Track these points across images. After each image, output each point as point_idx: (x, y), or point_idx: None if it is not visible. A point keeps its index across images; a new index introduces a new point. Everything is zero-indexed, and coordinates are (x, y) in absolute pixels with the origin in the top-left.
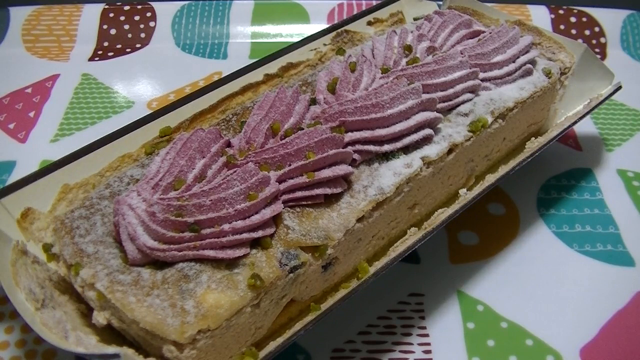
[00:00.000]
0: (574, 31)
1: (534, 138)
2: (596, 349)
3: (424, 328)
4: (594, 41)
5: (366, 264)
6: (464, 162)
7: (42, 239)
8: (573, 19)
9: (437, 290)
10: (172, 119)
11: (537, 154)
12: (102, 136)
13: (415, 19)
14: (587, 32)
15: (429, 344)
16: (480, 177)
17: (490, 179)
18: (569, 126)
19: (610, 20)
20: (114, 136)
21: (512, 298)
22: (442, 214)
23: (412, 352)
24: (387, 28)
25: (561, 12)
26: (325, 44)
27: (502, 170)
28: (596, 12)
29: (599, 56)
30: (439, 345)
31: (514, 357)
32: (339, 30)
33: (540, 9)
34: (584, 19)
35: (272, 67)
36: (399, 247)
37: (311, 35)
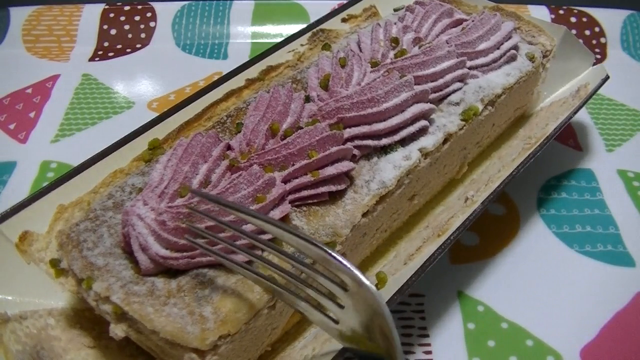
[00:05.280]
0: (574, 31)
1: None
2: (596, 349)
3: (425, 329)
4: (594, 41)
5: (384, 274)
6: (458, 150)
7: (43, 259)
8: (573, 19)
9: (438, 290)
10: (158, 131)
11: (543, 147)
12: (92, 155)
13: (395, 10)
14: (587, 32)
15: (429, 344)
16: (472, 164)
17: (503, 175)
18: (566, 121)
19: (610, 20)
20: (104, 153)
21: (513, 298)
22: (453, 219)
23: (413, 352)
24: (361, 23)
25: (561, 12)
26: (302, 45)
27: (510, 168)
28: (596, 12)
29: (598, 56)
30: (440, 346)
31: (514, 357)
32: (315, 30)
33: (540, 9)
34: (584, 19)
35: (252, 72)
36: (416, 257)
37: (288, 37)
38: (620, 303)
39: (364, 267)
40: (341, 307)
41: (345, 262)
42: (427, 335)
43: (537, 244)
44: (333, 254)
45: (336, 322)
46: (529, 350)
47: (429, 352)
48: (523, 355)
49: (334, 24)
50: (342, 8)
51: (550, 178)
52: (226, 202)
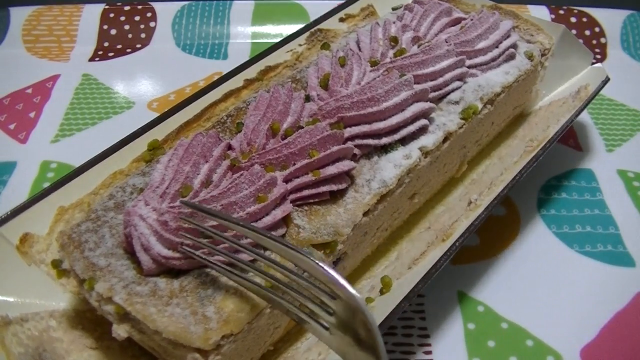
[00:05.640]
0: (574, 31)
1: (535, 137)
2: (596, 349)
3: (425, 329)
4: (594, 41)
5: (389, 279)
6: (458, 149)
7: (44, 261)
8: (573, 19)
9: (438, 291)
10: (158, 132)
11: (546, 151)
12: (92, 156)
13: (394, 9)
14: (587, 32)
15: (429, 344)
16: (472, 163)
17: (506, 180)
18: (568, 124)
19: (610, 20)
20: (103, 155)
21: (513, 299)
22: (457, 224)
23: (413, 352)
24: (359, 23)
25: (561, 12)
26: (300, 44)
27: (513, 172)
28: (596, 12)
29: (598, 56)
30: (440, 346)
31: (515, 357)
32: (313, 30)
33: (540, 9)
34: (584, 19)
35: (251, 72)
36: (421, 261)
37: (286, 37)
38: (620, 303)
39: (365, 266)
40: (330, 314)
41: (326, 267)
42: (427, 336)
43: (537, 244)
44: (314, 259)
45: (328, 329)
46: (529, 351)
47: (429, 353)
48: (523, 356)
49: (331, 23)
50: (339, 7)
51: (551, 178)
52: (215, 213)
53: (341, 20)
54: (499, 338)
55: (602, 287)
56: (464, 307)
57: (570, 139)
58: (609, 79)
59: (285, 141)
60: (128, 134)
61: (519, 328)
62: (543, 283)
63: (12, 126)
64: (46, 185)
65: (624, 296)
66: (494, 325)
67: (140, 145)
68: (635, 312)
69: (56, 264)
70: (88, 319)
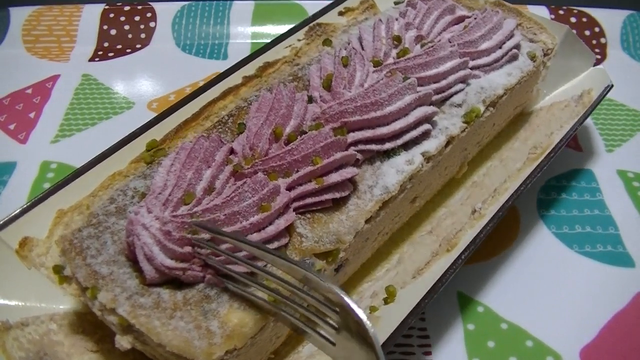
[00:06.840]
0: (574, 31)
1: (539, 144)
2: (596, 349)
3: (424, 330)
4: (594, 41)
5: (394, 288)
6: (459, 152)
7: (44, 264)
8: (573, 19)
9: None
10: (157, 132)
11: (550, 160)
12: (92, 157)
13: (396, 3)
14: (587, 33)
15: (429, 345)
16: (472, 163)
17: (511, 189)
18: (572, 133)
19: (610, 20)
20: (102, 156)
21: (512, 299)
22: (462, 233)
23: (413, 353)
24: (358, 16)
25: (561, 12)
26: (299, 39)
27: (517, 180)
28: (596, 12)
29: (598, 56)
30: (439, 347)
31: (514, 358)
32: (312, 24)
33: (540, 9)
34: (584, 19)
35: (250, 69)
36: (425, 272)
37: (285, 33)
38: (620, 303)
39: (366, 269)
40: (336, 329)
41: (331, 285)
42: (427, 337)
43: (537, 244)
44: (323, 279)
45: (333, 344)
46: (529, 351)
47: (429, 353)
48: (523, 356)
49: (330, 17)
50: (338, 1)
51: (550, 178)
52: (223, 232)
53: (340, 14)
54: (498, 339)
55: (601, 288)
56: (463, 308)
57: (571, 139)
58: (612, 86)
59: (289, 147)
60: (127, 134)
61: (518, 328)
62: (543, 283)
63: (12, 126)
64: (46, 185)
65: (624, 296)
66: (493, 325)
67: (139, 146)
68: (635, 312)
69: (58, 269)
70: (89, 321)
